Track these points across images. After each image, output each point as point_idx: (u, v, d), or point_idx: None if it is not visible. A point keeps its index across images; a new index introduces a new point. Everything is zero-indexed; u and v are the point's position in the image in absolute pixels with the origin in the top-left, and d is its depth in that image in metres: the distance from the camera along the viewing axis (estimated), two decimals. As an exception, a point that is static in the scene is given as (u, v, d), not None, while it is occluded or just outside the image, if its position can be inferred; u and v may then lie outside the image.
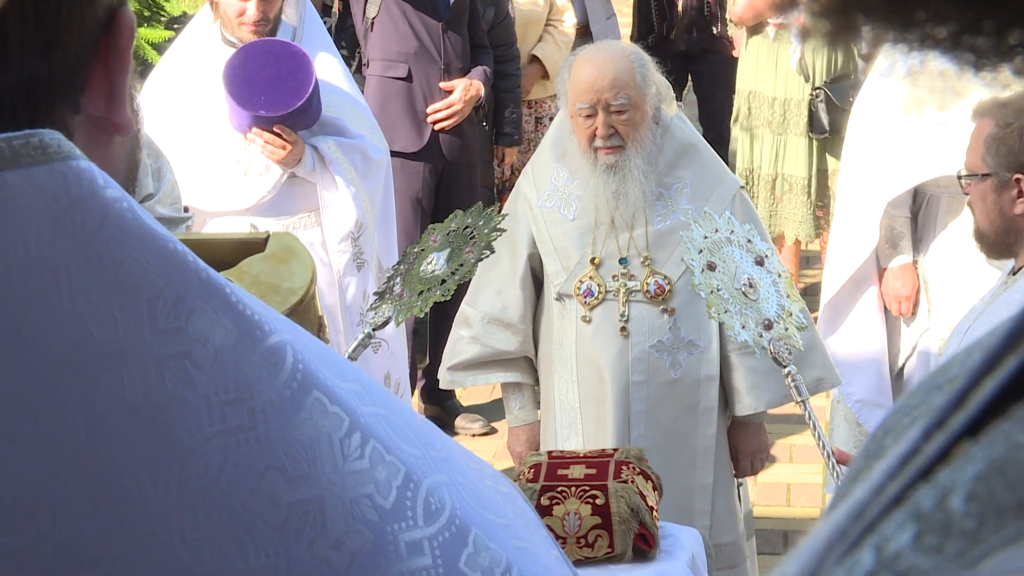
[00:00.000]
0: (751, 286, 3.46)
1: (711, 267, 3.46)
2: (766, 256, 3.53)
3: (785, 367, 3.37)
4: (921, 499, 0.54)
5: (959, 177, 3.54)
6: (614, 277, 4.13)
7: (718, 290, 3.41)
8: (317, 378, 0.90)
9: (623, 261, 4.13)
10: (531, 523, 1.01)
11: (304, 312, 1.37)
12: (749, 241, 3.55)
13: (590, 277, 4.15)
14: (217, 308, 0.88)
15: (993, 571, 0.50)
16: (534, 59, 7.05)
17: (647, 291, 4.11)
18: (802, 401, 3.32)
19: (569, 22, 7.12)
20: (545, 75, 6.96)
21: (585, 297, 4.15)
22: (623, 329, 4.12)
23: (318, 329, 1.51)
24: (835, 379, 4.22)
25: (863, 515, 0.57)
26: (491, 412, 6.76)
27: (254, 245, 1.41)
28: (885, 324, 4.92)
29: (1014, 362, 0.57)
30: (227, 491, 0.87)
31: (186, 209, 4.98)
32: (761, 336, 3.39)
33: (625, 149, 4.03)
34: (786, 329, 3.43)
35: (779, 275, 3.53)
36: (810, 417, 3.28)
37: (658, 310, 4.11)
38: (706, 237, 3.50)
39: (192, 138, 4.86)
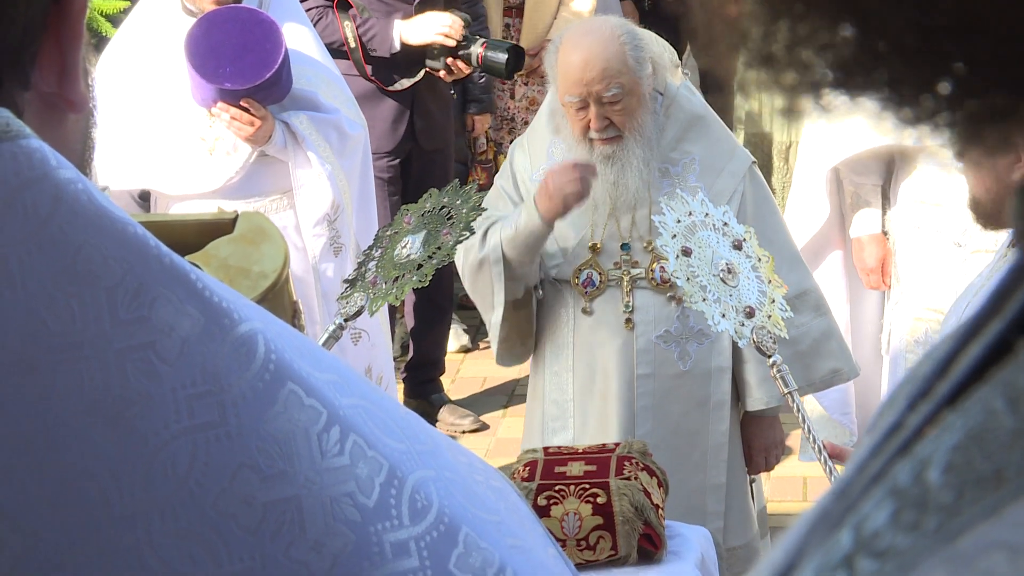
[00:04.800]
0: (730, 271, 3.46)
1: (686, 252, 3.46)
2: (744, 239, 3.54)
3: (769, 357, 3.37)
4: (898, 474, 0.56)
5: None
6: (616, 264, 4.11)
7: (695, 276, 3.41)
8: (291, 368, 0.91)
9: (625, 247, 4.11)
10: (526, 519, 1.01)
11: (276, 297, 1.37)
12: (725, 224, 3.55)
13: (590, 265, 4.13)
14: (182, 296, 0.89)
15: (971, 546, 0.52)
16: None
17: (652, 278, 4.10)
18: (789, 393, 3.32)
19: (585, 4, 7.05)
20: None
21: (585, 287, 4.13)
22: (628, 321, 4.11)
23: (292, 315, 1.51)
24: (852, 369, 4.22)
25: (847, 494, 0.58)
26: (481, 406, 6.77)
27: (221, 226, 1.41)
28: (849, 298, 4.97)
29: (998, 325, 0.58)
30: (197, 492, 0.88)
31: (147, 195, 4.98)
32: (743, 325, 3.39)
33: (623, 139, 4.00)
34: (769, 316, 3.44)
35: (759, 259, 3.53)
36: (799, 410, 3.29)
37: (664, 298, 4.10)
38: (679, 221, 3.51)
39: (152, 115, 4.85)
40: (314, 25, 5.64)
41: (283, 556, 0.89)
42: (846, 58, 0.57)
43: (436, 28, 5.89)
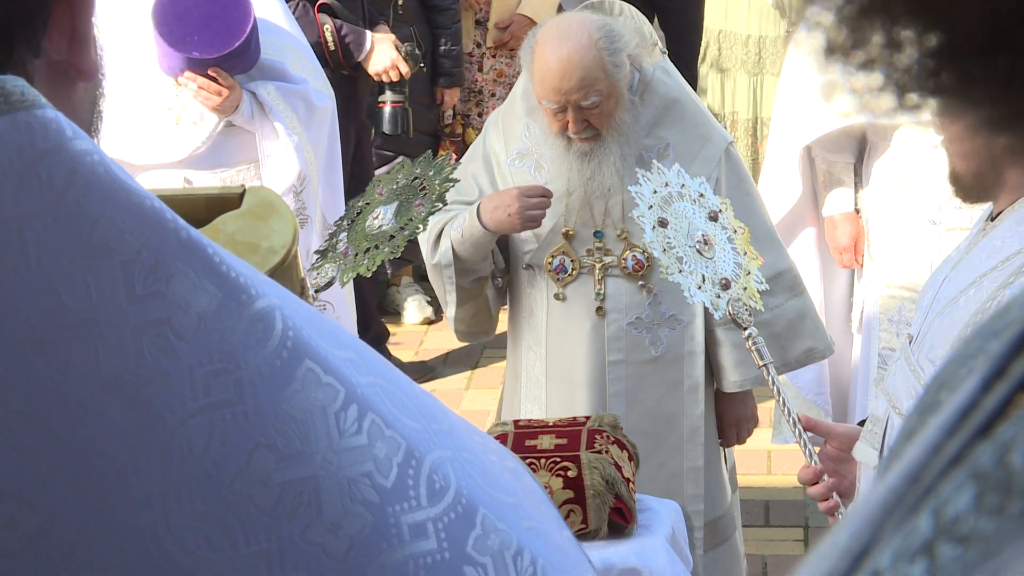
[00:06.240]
0: (706, 243, 3.45)
1: (663, 223, 3.45)
2: (720, 211, 3.53)
3: (745, 329, 3.37)
4: (980, 457, 0.54)
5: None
6: (588, 252, 4.11)
7: (671, 248, 3.40)
8: (309, 346, 0.89)
9: (598, 234, 4.10)
10: (540, 501, 1.00)
11: (285, 274, 1.35)
12: (701, 195, 3.54)
13: (563, 252, 4.12)
14: (199, 271, 0.87)
15: None
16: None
17: (624, 267, 4.10)
18: (764, 365, 3.32)
19: None
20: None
21: (558, 274, 4.12)
22: (599, 309, 4.11)
23: (300, 292, 1.49)
24: (828, 347, 4.23)
25: (921, 478, 0.57)
26: (445, 378, 6.76)
27: (229, 201, 1.39)
28: (822, 277, 4.96)
29: None
30: (213, 472, 0.86)
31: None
32: (719, 296, 3.38)
33: (601, 137, 3.98)
34: (744, 288, 3.43)
35: (735, 231, 3.52)
36: (774, 382, 3.29)
37: (636, 285, 4.10)
38: (656, 192, 3.49)
39: (118, 84, 4.80)
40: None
41: (300, 538, 0.87)
42: (922, 59, 0.56)
43: (385, 66, 6.17)
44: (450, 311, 4.28)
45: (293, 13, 5.99)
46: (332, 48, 6.14)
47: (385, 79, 6.19)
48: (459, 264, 4.14)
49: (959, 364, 0.63)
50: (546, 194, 4.00)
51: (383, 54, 6.17)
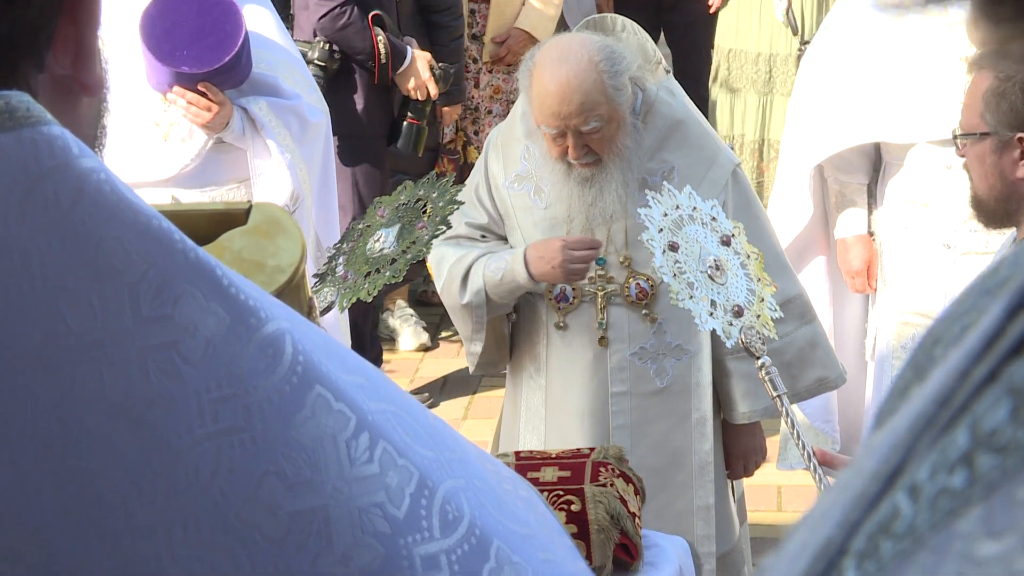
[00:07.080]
0: (718, 268, 3.45)
1: (673, 247, 3.45)
2: (733, 235, 3.53)
3: (758, 358, 3.37)
4: (1015, 374, 0.58)
5: (954, 137, 3.54)
6: (591, 280, 4.10)
7: (682, 273, 3.40)
8: (319, 371, 0.90)
9: (600, 261, 4.10)
10: (554, 531, 1.01)
11: (292, 293, 1.36)
12: (714, 219, 3.54)
13: None
14: (207, 293, 0.88)
15: None
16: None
17: (627, 295, 4.10)
18: (778, 396, 3.32)
19: None
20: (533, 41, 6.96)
21: (559, 302, 4.13)
22: (602, 339, 4.11)
23: (308, 312, 1.50)
24: (839, 376, 4.22)
25: (950, 401, 0.60)
26: (442, 407, 6.76)
27: (234, 217, 1.40)
28: (832, 302, 4.96)
29: None
30: (220, 500, 0.86)
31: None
32: (731, 324, 3.39)
33: (602, 162, 3.97)
34: (758, 316, 3.44)
35: (748, 256, 3.53)
36: (788, 414, 3.29)
37: (639, 314, 4.10)
38: (666, 215, 3.49)
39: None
40: (333, 21, 6.24)
41: (309, 569, 0.88)
42: None
43: (418, 83, 6.44)
44: (475, 347, 4.25)
45: (347, 18, 6.17)
46: (384, 61, 6.40)
47: (414, 96, 6.42)
48: (490, 305, 4.15)
49: (953, 321, 0.67)
50: (593, 246, 4.00)
51: (419, 71, 6.42)
